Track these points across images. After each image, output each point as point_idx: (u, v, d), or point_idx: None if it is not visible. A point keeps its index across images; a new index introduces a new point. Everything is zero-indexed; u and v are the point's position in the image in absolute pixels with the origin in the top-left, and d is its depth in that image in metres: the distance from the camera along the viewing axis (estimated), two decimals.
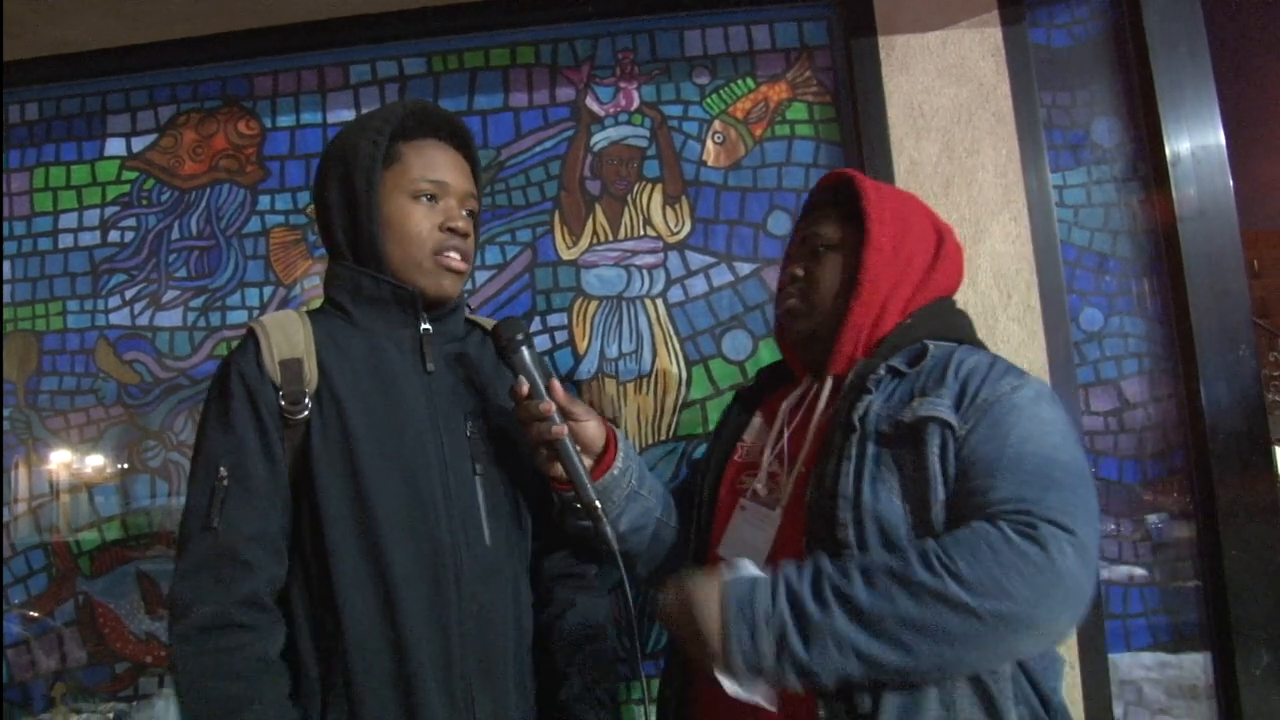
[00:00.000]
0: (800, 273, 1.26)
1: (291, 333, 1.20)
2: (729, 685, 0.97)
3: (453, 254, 1.25)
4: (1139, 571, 1.79)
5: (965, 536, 0.95)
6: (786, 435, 1.23)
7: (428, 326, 1.25)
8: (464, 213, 1.27)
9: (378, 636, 1.12)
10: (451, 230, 1.24)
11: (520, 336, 1.22)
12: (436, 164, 1.26)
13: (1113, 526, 1.80)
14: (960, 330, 1.22)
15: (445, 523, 1.17)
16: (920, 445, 1.05)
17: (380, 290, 1.23)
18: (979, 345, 1.22)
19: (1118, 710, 1.72)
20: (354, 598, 1.12)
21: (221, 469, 1.13)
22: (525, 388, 1.20)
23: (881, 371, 1.13)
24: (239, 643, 1.09)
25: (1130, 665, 1.76)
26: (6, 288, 2.00)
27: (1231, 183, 1.75)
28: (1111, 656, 1.72)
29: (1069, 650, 1.66)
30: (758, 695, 0.97)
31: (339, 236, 1.25)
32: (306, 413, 1.16)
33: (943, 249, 1.24)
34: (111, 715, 1.88)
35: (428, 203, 1.24)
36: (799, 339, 1.28)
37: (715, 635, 0.97)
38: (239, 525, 1.12)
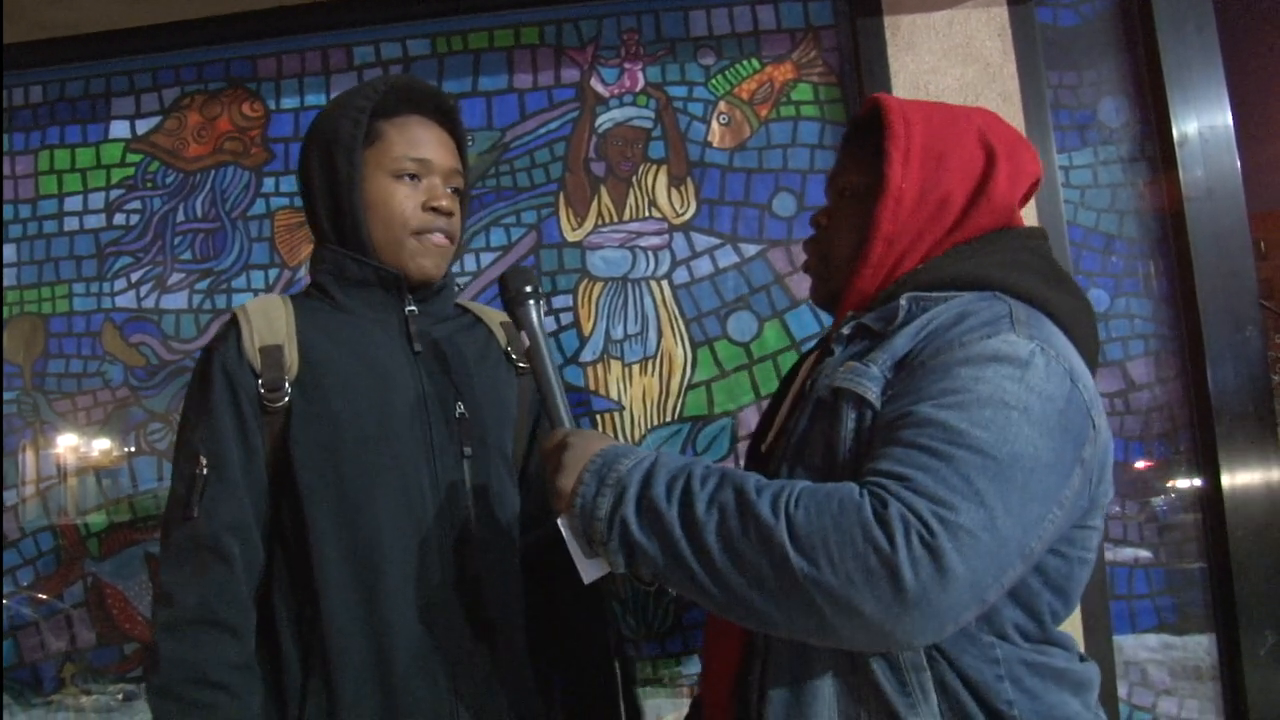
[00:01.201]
0: (823, 221, 1.10)
1: (274, 318, 1.19)
2: (575, 555, 0.95)
3: (437, 234, 1.23)
4: (1144, 553, 1.79)
5: (827, 490, 0.82)
6: (788, 402, 1.14)
7: (413, 308, 1.24)
8: (449, 190, 1.25)
9: (357, 619, 1.11)
10: (435, 209, 1.22)
11: (529, 289, 1.13)
12: (419, 141, 1.23)
13: (1118, 508, 1.79)
14: (980, 275, 0.97)
15: (431, 505, 1.17)
16: (836, 423, 0.92)
17: (364, 273, 1.22)
18: (1012, 291, 0.96)
19: (1122, 691, 1.73)
20: (334, 581, 1.12)
21: (201, 458, 1.13)
22: (528, 344, 1.13)
23: (846, 330, 0.99)
24: (218, 643, 1.08)
25: (1135, 647, 1.77)
26: (13, 271, 2.01)
27: (1239, 163, 1.74)
28: (1116, 638, 1.72)
29: (1074, 633, 1.66)
30: (592, 569, 0.95)
31: (323, 219, 1.24)
32: (287, 399, 1.15)
33: (992, 177, 0.99)
34: (121, 696, 1.89)
35: (410, 181, 1.22)
36: (822, 304, 1.14)
37: (571, 479, 0.94)
38: (218, 514, 1.11)
